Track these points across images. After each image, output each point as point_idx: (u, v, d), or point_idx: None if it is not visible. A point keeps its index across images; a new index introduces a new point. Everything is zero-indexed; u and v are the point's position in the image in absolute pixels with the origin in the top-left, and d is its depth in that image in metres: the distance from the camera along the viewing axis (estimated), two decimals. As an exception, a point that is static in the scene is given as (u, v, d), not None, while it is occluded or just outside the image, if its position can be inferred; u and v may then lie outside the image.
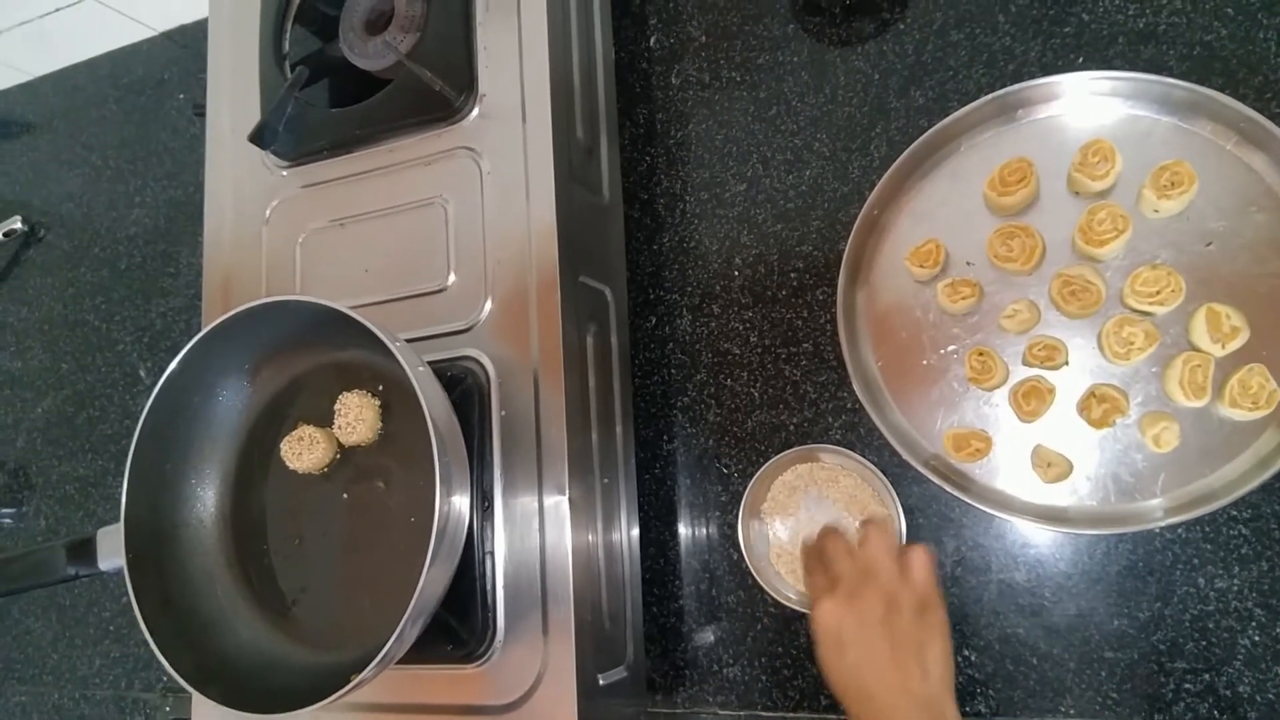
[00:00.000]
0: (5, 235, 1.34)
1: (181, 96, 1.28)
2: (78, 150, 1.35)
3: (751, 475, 0.85)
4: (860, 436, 0.85)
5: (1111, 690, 0.75)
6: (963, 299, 0.78)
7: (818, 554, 0.71)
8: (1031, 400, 0.75)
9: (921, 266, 0.80)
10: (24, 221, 1.34)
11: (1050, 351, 0.75)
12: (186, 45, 1.30)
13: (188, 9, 1.27)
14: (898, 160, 0.81)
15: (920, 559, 0.67)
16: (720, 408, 0.91)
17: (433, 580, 0.68)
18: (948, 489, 0.75)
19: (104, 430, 1.22)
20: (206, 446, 0.82)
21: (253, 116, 0.91)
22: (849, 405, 0.86)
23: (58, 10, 1.28)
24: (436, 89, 0.85)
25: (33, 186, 1.37)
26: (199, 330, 0.77)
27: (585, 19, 0.91)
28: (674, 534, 0.91)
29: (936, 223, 0.82)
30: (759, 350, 0.90)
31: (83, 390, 1.25)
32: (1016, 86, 0.78)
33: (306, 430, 0.79)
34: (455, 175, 0.85)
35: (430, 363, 0.77)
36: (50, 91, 1.41)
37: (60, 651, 1.18)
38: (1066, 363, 0.76)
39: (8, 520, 1.26)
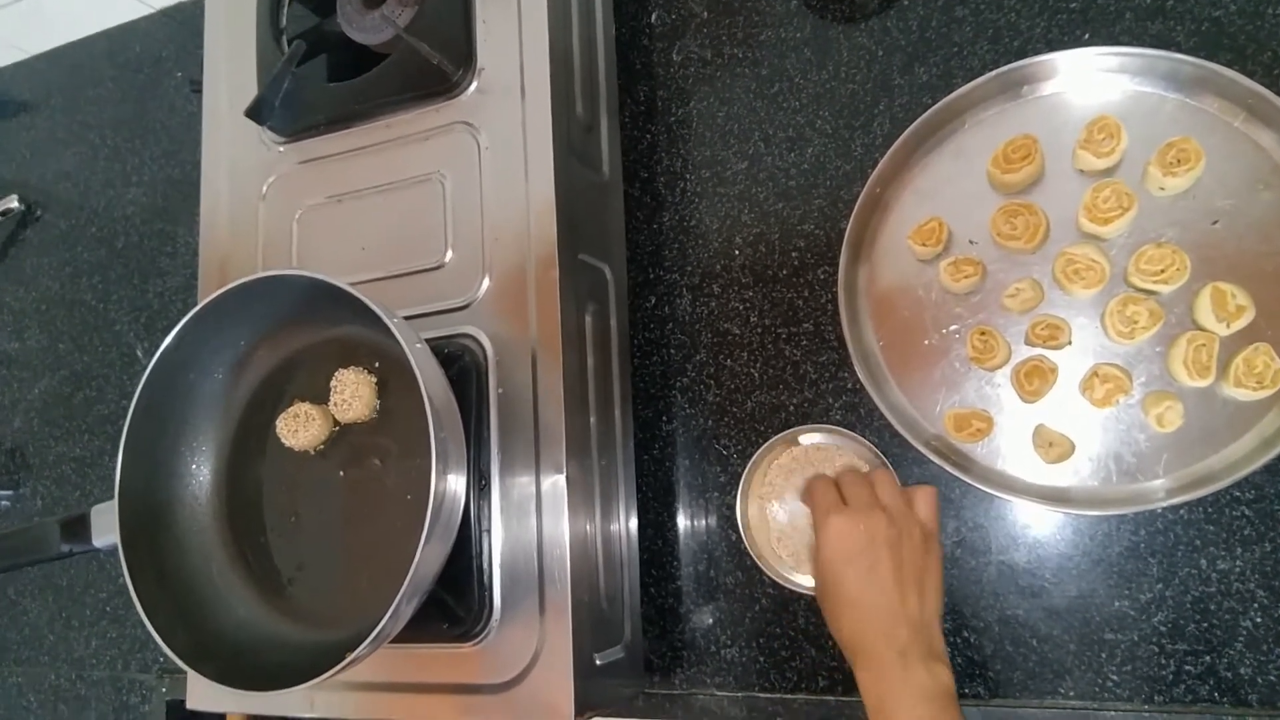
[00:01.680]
0: (2, 214, 1.33)
1: (179, 74, 1.27)
2: (74, 129, 1.34)
3: (751, 456, 0.84)
4: (861, 417, 0.85)
5: (1112, 672, 0.74)
6: (965, 278, 0.77)
7: (828, 480, 0.76)
8: (1034, 380, 0.75)
9: (924, 245, 0.79)
10: (20, 200, 1.33)
11: (1053, 331, 0.75)
12: (184, 22, 1.29)
13: (184, -14, 1.26)
14: (901, 137, 0.80)
15: (927, 495, 0.72)
16: (720, 388, 0.90)
17: (428, 558, 0.67)
18: (948, 469, 0.75)
19: (101, 410, 1.22)
20: (202, 423, 0.82)
21: (249, 92, 0.90)
22: (850, 385, 0.85)
23: (54, -13, 1.27)
24: (435, 63, 0.84)
25: (29, 165, 1.37)
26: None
27: (585, -6, 0.91)
28: (672, 515, 0.90)
29: (939, 201, 0.81)
30: (759, 330, 0.90)
31: (80, 370, 1.24)
32: (1021, 63, 0.77)
33: (302, 407, 0.78)
34: (453, 151, 0.84)
35: (427, 340, 0.76)
36: (47, 69, 1.40)
37: (57, 632, 1.18)
38: (1069, 342, 0.76)
39: (4, 502, 1.26)
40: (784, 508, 0.84)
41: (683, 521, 0.90)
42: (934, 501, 0.72)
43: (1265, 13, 0.77)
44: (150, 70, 1.30)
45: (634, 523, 0.85)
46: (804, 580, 0.82)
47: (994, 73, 0.78)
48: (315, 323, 0.80)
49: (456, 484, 0.71)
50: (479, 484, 0.76)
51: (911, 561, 0.68)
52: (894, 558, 0.67)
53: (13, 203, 1.32)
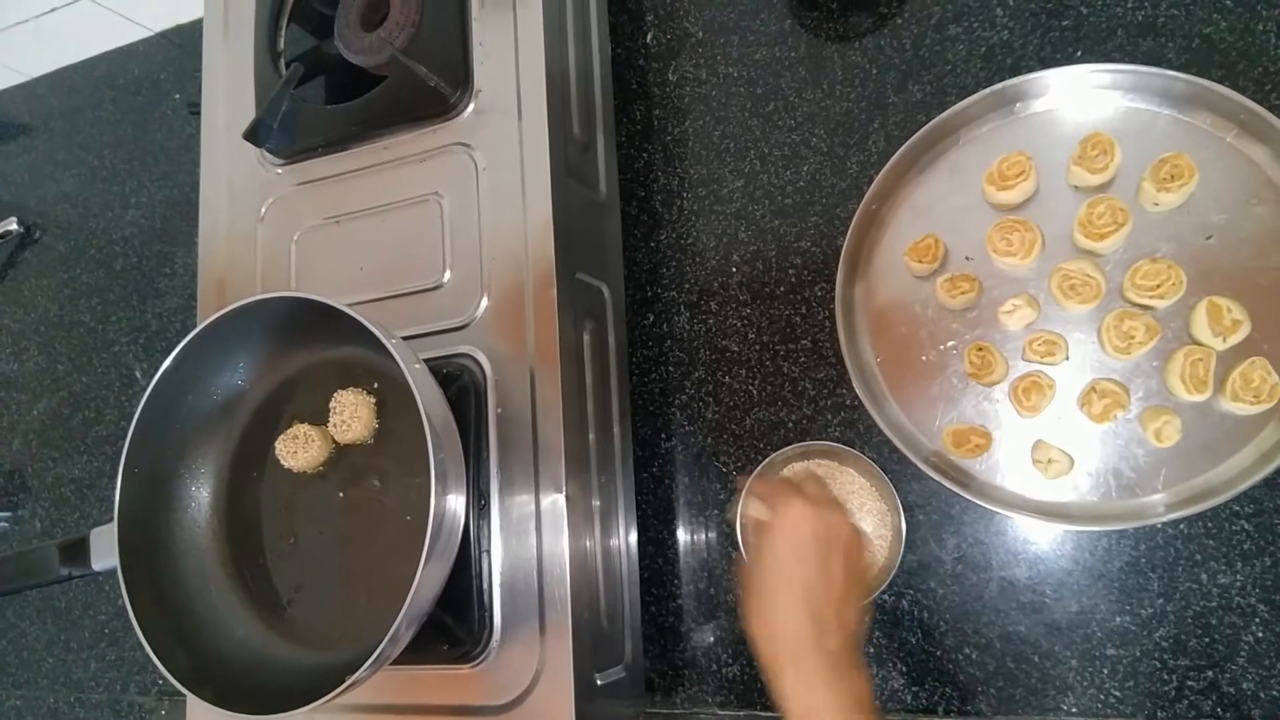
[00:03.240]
0: (1, 236, 1.33)
1: (178, 96, 1.28)
2: (73, 151, 1.35)
3: (750, 473, 0.84)
4: (859, 433, 0.85)
5: (1114, 688, 0.74)
6: (962, 294, 0.77)
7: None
8: (1032, 395, 0.75)
9: (920, 262, 0.80)
10: (20, 222, 1.33)
11: (1050, 346, 0.75)
12: (182, 45, 1.30)
13: (184, 8, 1.27)
14: (896, 155, 0.81)
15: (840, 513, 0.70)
16: (718, 405, 0.90)
17: (428, 579, 0.67)
18: (948, 485, 0.75)
19: (99, 432, 1.22)
20: (201, 445, 0.82)
21: (248, 114, 0.91)
22: (848, 402, 0.85)
23: (53, 10, 1.27)
24: (432, 85, 0.84)
25: (28, 187, 1.37)
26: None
27: (581, 15, 0.91)
28: (672, 533, 0.90)
29: (935, 218, 0.82)
30: (757, 347, 0.90)
31: (78, 392, 1.24)
32: (1015, 80, 0.78)
33: (301, 429, 0.78)
34: (451, 172, 0.84)
35: (426, 360, 0.76)
36: (46, 92, 1.40)
37: (55, 655, 1.18)
38: (1067, 357, 0.76)
39: (3, 523, 1.25)
40: (784, 525, 0.84)
41: (683, 539, 0.90)
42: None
43: (1256, 29, 0.77)
44: (149, 93, 1.31)
45: (634, 541, 0.85)
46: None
47: (988, 90, 0.78)
48: (314, 344, 0.81)
49: (456, 504, 0.71)
50: (478, 504, 0.76)
51: (837, 563, 0.66)
52: (819, 557, 0.66)
53: (12, 225, 1.33)
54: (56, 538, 1.19)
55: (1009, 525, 0.79)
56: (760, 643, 0.66)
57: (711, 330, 0.92)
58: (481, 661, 0.74)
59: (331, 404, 0.78)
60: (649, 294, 0.95)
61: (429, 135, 0.86)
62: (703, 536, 0.89)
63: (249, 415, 0.83)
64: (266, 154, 0.93)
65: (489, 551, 0.75)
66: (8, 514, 1.25)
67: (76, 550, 0.79)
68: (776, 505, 0.69)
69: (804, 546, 0.66)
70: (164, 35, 1.32)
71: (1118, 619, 0.75)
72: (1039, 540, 0.78)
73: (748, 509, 0.77)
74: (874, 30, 0.90)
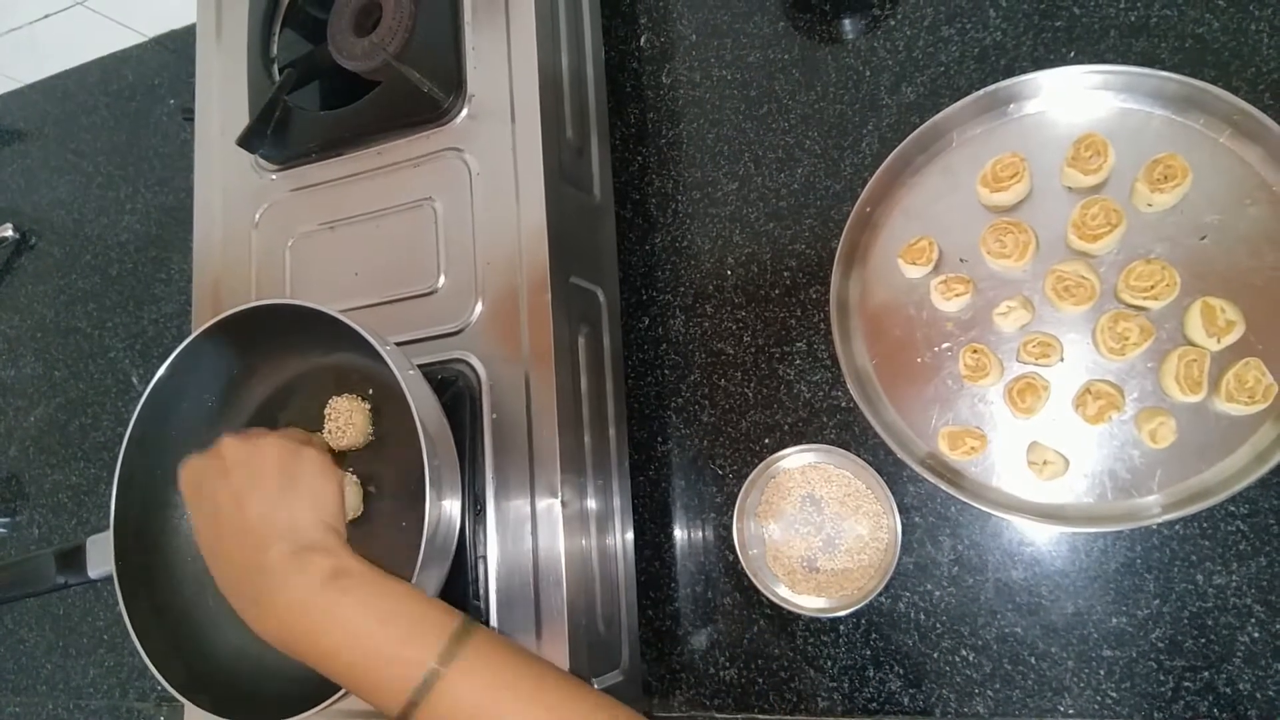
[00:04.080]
0: (-3, 243, 1.33)
1: (172, 102, 1.28)
2: (68, 157, 1.34)
3: (746, 476, 0.85)
4: (855, 435, 0.85)
5: (1110, 689, 0.74)
6: (956, 296, 0.77)
7: None
8: (1026, 397, 0.75)
9: (914, 264, 0.80)
10: (15, 229, 1.33)
11: (1044, 348, 0.75)
12: (176, 50, 1.30)
13: (178, 14, 1.27)
14: (889, 157, 0.81)
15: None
16: (714, 408, 0.90)
17: (424, 584, 0.67)
18: (943, 487, 0.75)
19: (96, 438, 1.22)
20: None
21: (241, 120, 0.91)
22: (843, 404, 0.85)
23: (47, 17, 1.27)
24: (425, 90, 0.84)
25: (24, 194, 1.37)
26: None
27: (574, 19, 0.91)
28: (669, 536, 0.90)
29: (929, 220, 0.82)
30: (752, 350, 0.90)
31: (75, 398, 1.24)
32: (1008, 81, 0.78)
33: (296, 435, 0.78)
34: (444, 177, 0.84)
35: (421, 365, 0.76)
36: (41, 98, 1.40)
37: (54, 661, 1.18)
38: (1061, 359, 0.76)
39: (1, 530, 1.25)
40: (780, 527, 0.84)
41: (679, 542, 0.90)
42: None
43: (1248, 30, 0.77)
44: (143, 98, 1.31)
45: (630, 544, 0.85)
46: (802, 600, 0.82)
47: (981, 92, 0.78)
48: (308, 350, 0.81)
49: (451, 509, 0.71)
50: (474, 508, 0.76)
51: (260, 482, 0.63)
52: (227, 490, 0.63)
53: (7, 231, 1.33)
54: (54, 544, 1.19)
55: (1005, 527, 0.79)
56: (228, 594, 0.63)
57: (707, 333, 0.92)
58: (478, 667, 0.74)
59: (326, 410, 0.78)
60: (644, 297, 0.95)
61: (422, 140, 0.86)
62: (699, 539, 0.89)
63: (244, 422, 0.82)
64: (260, 160, 0.93)
65: (485, 556, 0.75)
66: (5, 520, 1.25)
67: (73, 558, 0.79)
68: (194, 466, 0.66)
69: (214, 490, 0.63)
70: (158, 41, 1.32)
71: (1114, 620, 0.75)
72: (1035, 542, 0.78)
73: (754, 522, 0.76)
74: (867, 32, 0.90)
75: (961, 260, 0.80)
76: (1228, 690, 0.71)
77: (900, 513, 0.79)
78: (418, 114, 0.85)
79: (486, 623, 0.74)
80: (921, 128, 0.80)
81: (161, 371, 0.76)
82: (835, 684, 0.82)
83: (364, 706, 0.77)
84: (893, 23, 0.89)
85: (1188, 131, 0.75)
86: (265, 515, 0.62)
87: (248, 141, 0.88)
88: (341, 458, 0.79)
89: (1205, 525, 0.74)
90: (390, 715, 0.58)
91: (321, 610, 0.59)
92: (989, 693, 0.77)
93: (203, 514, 0.65)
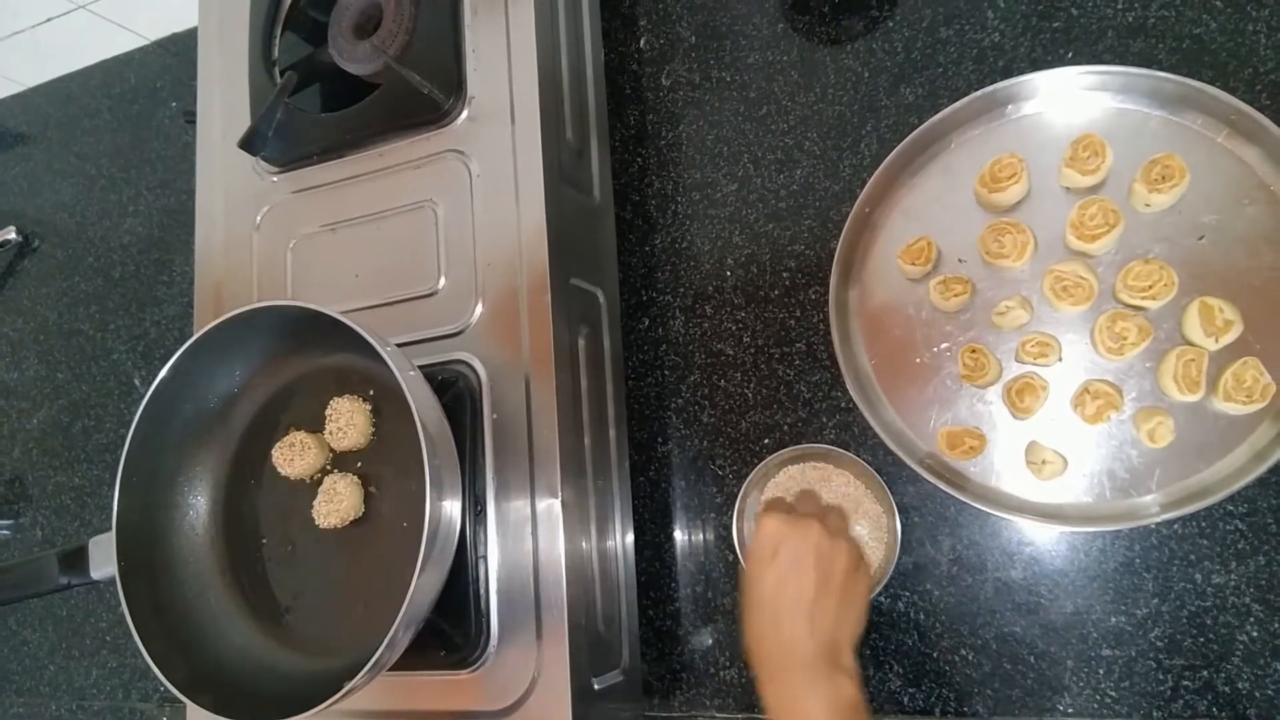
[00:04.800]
0: (0, 245, 1.34)
1: (174, 105, 1.28)
2: (71, 160, 1.35)
3: (746, 476, 0.85)
4: (854, 436, 0.85)
5: (1110, 688, 0.74)
6: (955, 296, 0.78)
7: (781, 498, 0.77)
8: (1025, 397, 0.75)
9: (913, 264, 0.80)
10: (18, 232, 1.34)
11: (1043, 348, 0.75)
12: (179, 53, 1.30)
13: (180, 17, 1.27)
14: (888, 158, 0.81)
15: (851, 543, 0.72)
16: (714, 409, 0.90)
17: (424, 585, 0.67)
18: (942, 487, 0.75)
19: (99, 440, 1.22)
20: (198, 454, 0.82)
21: (243, 123, 0.91)
22: (843, 405, 0.85)
23: (50, 20, 1.28)
24: (425, 92, 0.84)
25: (27, 196, 1.37)
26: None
27: (574, 21, 0.91)
28: (669, 536, 0.90)
29: (928, 220, 0.82)
30: (752, 351, 0.90)
31: (78, 400, 1.25)
32: (1006, 82, 0.78)
33: (298, 436, 0.79)
34: (445, 178, 0.85)
35: (421, 367, 0.76)
36: (43, 102, 1.41)
37: (57, 662, 1.18)
38: (1060, 359, 0.76)
39: (4, 532, 1.26)
40: (780, 528, 0.84)
41: (680, 542, 0.90)
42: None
43: (1245, 30, 0.78)
44: (145, 101, 1.31)
45: (630, 544, 0.86)
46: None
47: (979, 93, 0.79)
48: (310, 352, 0.81)
49: (452, 510, 0.72)
50: (474, 509, 0.76)
51: (836, 579, 0.67)
52: (819, 569, 0.67)
53: (10, 234, 1.33)
54: (57, 546, 1.19)
55: (1004, 527, 0.79)
56: (753, 648, 0.67)
57: (706, 334, 0.92)
58: (478, 667, 0.75)
59: (328, 411, 0.78)
60: (644, 298, 0.95)
61: (423, 142, 0.86)
62: (700, 540, 0.89)
63: (246, 423, 0.83)
64: (262, 162, 0.94)
65: (485, 557, 0.76)
66: (9, 522, 1.26)
67: (76, 559, 0.79)
68: (791, 523, 0.70)
69: (805, 560, 0.67)
70: (160, 44, 1.32)
71: (1113, 619, 0.75)
72: (1034, 541, 0.78)
73: (759, 516, 0.77)
74: (866, 34, 0.90)
75: (960, 260, 0.80)
76: (1226, 689, 0.72)
77: (900, 513, 0.79)
78: (418, 116, 0.86)
79: (487, 626, 0.75)
80: (920, 129, 0.80)
81: (164, 373, 0.76)
82: (835, 683, 0.82)
83: (362, 707, 0.77)
84: (891, 24, 0.89)
85: (1185, 132, 0.75)
86: (823, 614, 0.66)
87: (249, 144, 0.88)
88: (343, 458, 0.80)
89: (1204, 524, 0.74)
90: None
91: None
92: (988, 692, 0.77)
93: (767, 564, 0.69)
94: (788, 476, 0.85)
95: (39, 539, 1.23)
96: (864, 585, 0.71)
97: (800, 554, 0.68)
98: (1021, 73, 0.78)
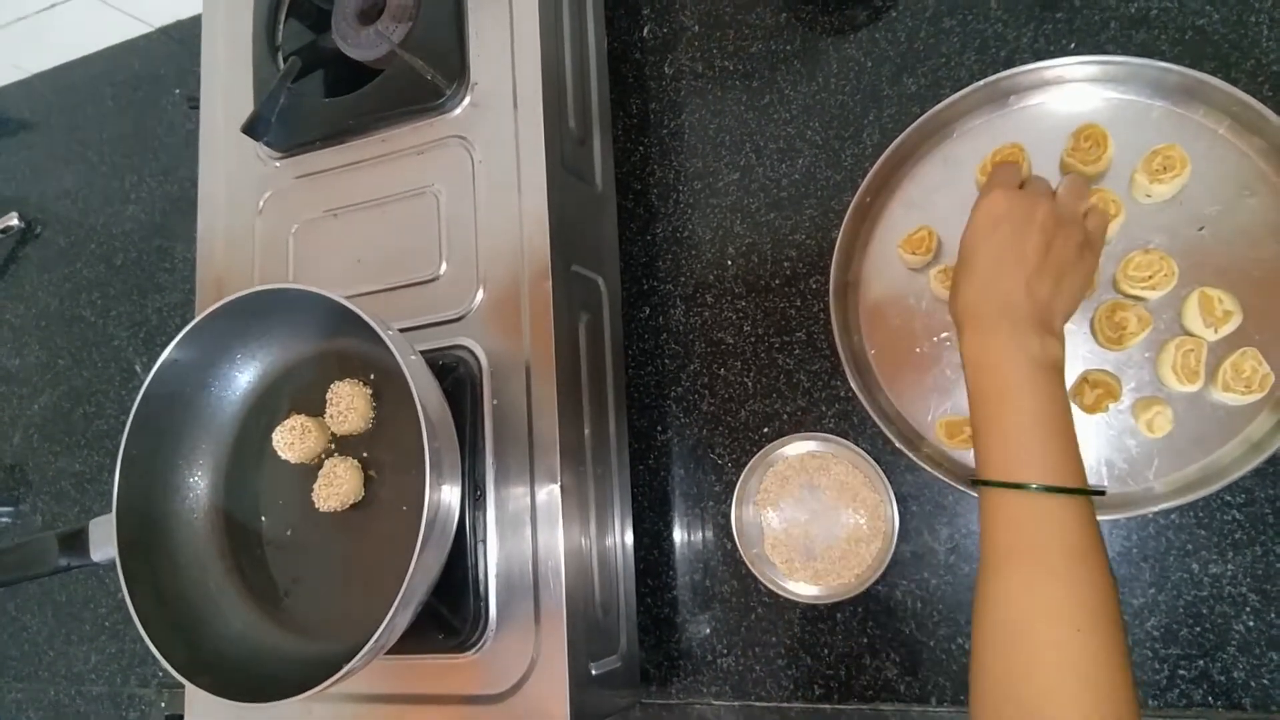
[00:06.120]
0: (2, 232, 1.34)
1: (177, 91, 1.28)
2: (74, 146, 1.35)
3: (745, 465, 0.85)
4: (854, 425, 0.85)
5: (1106, 677, 0.74)
6: (955, 285, 0.78)
7: (1013, 164, 0.75)
8: (1024, 386, 0.75)
9: (914, 254, 0.80)
10: (20, 218, 1.34)
11: (1043, 337, 0.75)
12: (182, 40, 1.30)
13: (183, 4, 1.27)
14: (890, 147, 0.81)
15: (1103, 217, 0.70)
16: (714, 397, 0.91)
17: (423, 569, 0.67)
18: (941, 477, 0.75)
19: (100, 426, 1.22)
20: (199, 437, 0.82)
21: (246, 108, 0.91)
22: (842, 394, 0.85)
23: (53, 6, 1.28)
24: (428, 78, 0.85)
25: (29, 183, 1.38)
26: (194, 325, 0.77)
27: (577, 9, 0.91)
28: (668, 524, 0.90)
29: (929, 210, 0.82)
30: (752, 339, 0.90)
31: (79, 386, 1.25)
32: (1008, 72, 0.78)
33: (298, 420, 0.79)
34: (447, 164, 0.85)
35: (422, 352, 0.77)
36: (46, 88, 1.41)
37: (56, 648, 1.18)
38: (1059, 348, 0.76)
39: (5, 518, 1.26)
40: (779, 516, 0.85)
41: (678, 531, 0.90)
42: (1104, 225, 0.70)
43: (1248, 21, 0.78)
44: (148, 88, 1.31)
45: (629, 532, 0.86)
46: (798, 588, 0.82)
47: (981, 82, 0.79)
48: (311, 336, 0.81)
49: (451, 495, 0.72)
50: (474, 494, 0.76)
51: (1060, 253, 0.64)
52: (1043, 241, 0.64)
53: (13, 220, 1.34)
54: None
55: (1002, 516, 0.79)
56: (959, 304, 0.65)
57: (707, 323, 0.92)
58: (477, 651, 0.75)
59: (328, 395, 0.78)
60: (645, 287, 0.95)
61: (426, 128, 0.87)
62: (698, 528, 0.89)
63: (246, 406, 0.83)
64: (264, 147, 0.94)
65: (484, 542, 0.76)
66: (9, 508, 1.26)
67: (75, 540, 0.79)
68: (1017, 199, 0.66)
69: (1028, 235, 0.64)
70: (164, 30, 1.32)
71: (1110, 609, 0.75)
72: (1032, 531, 0.78)
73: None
74: (869, 23, 0.90)
75: (961, 250, 0.80)
76: (1223, 679, 0.72)
77: (898, 501, 0.80)
78: (421, 102, 0.86)
79: (486, 610, 0.75)
80: (922, 118, 0.80)
81: (164, 357, 0.77)
82: (832, 671, 0.82)
83: (361, 689, 0.78)
84: (894, 14, 0.89)
85: (1187, 123, 0.75)
86: (1042, 282, 0.63)
87: (252, 129, 0.88)
88: (344, 442, 0.80)
89: (1201, 514, 0.74)
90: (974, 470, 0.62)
91: (1016, 376, 0.61)
92: (985, 681, 0.77)
93: (988, 236, 0.66)
94: (786, 465, 0.85)
95: (39, 525, 1.23)
96: (1089, 265, 0.67)
97: (1024, 231, 0.64)
98: (1024, 63, 0.78)
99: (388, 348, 0.70)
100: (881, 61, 0.89)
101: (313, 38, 0.94)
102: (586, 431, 0.81)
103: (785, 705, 0.83)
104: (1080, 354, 0.76)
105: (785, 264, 0.90)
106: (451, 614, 0.74)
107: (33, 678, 1.19)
